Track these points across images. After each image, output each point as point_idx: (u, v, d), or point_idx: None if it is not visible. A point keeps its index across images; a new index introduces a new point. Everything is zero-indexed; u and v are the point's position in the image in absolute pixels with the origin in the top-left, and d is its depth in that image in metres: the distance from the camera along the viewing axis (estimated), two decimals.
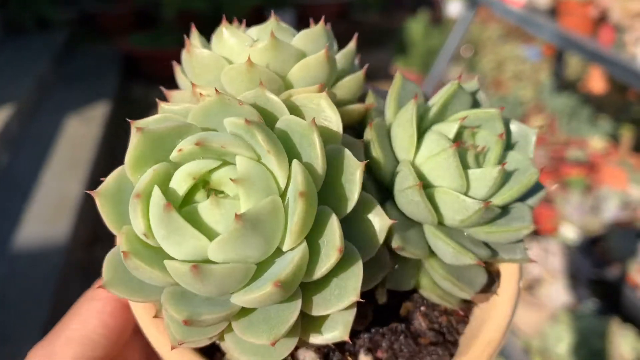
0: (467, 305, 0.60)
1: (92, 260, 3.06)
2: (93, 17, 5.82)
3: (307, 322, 0.49)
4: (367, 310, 0.57)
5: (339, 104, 0.58)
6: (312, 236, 0.46)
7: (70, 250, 2.73)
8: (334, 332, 0.48)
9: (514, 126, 0.61)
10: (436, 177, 0.55)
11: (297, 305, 0.46)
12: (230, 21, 0.59)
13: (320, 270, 0.45)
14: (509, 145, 0.60)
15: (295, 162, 0.44)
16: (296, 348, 0.54)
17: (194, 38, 0.60)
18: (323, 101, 0.51)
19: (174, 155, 0.46)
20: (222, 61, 0.56)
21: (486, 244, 0.57)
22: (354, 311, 0.48)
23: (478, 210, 0.52)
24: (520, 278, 0.59)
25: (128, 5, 5.86)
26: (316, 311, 0.47)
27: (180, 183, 0.46)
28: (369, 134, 0.55)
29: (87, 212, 3.04)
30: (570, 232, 2.76)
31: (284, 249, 0.45)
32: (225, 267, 0.42)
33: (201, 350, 0.54)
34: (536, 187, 0.58)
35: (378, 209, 0.49)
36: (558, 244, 2.67)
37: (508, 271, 0.59)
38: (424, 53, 4.53)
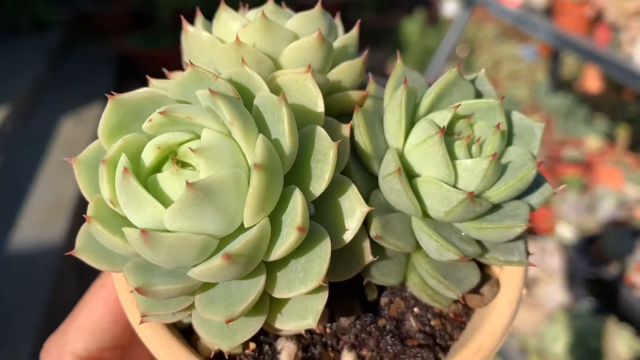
0: (466, 311, 0.58)
1: None
2: (89, 17, 5.79)
3: (276, 308, 0.49)
4: (354, 306, 0.56)
5: (335, 89, 0.57)
6: (277, 214, 0.45)
7: (66, 251, 2.72)
8: (303, 320, 0.47)
9: (518, 119, 0.57)
10: (423, 166, 0.52)
11: (258, 283, 0.45)
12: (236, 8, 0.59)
13: (280, 249, 0.44)
14: (510, 138, 0.56)
15: (260, 136, 0.44)
16: (276, 337, 0.54)
17: (198, 22, 0.60)
18: (308, 82, 0.50)
19: (146, 125, 0.46)
20: (216, 42, 0.56)
21: (479, 242, 0.54)
22: (323, 298, 0.47)
23: (462, 202, 0.49)
24: (523, 285, 0.57)
25: (124, 6, 5.84)
26: (280, 293, 0.46)
27: (148, 153, 0.46)
28: (355, 118, 0.53)
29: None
30: (566, 232, 2.77)
31: (245, 225, 0.44)
32: (176, 235, 0.41)
33: (181, 333, 0.54)
34: (541, 187, 0.55)
35: (355, 193, 0.48)
36: (555, 244, 2.67)
37: (511, 277, 0.57)
38: (420, 53, 4.53)
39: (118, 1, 5.88)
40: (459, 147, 0.53)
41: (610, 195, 2.82)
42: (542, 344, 2.24)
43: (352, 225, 0.48)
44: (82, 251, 0.48)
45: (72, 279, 2.71)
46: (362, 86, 0.61)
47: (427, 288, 0.55)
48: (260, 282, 0.45)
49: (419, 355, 0.54)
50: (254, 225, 0.44)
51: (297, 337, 0.54)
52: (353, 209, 0.48)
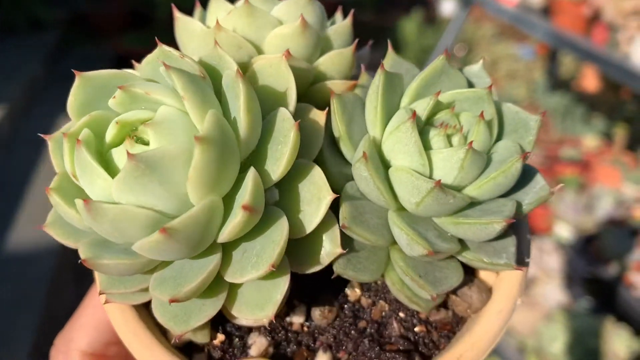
0: (457, 320, 0.55)
1: None
2: (87, 17, 5.77)
3: (235, 296, 0.48)
4: (334, 305, 0.54)
5: (322, 79, 0.56)
6: (232, 196, 0.45)
7: (63, 252, 2.71)
8: (262, 310, 0.46)
9: (514, 113, 0.53)
10: (396, 154, 0.49)
11: (209, 264, 0.44)
12: None
13: (227, 229, 0.43)
14: (503, 133, 0.53)
15: (210, 111, 0.43)
16: (249, 331, 0.53)
17: (196, 14, 0.60)
18: (282, 65, 0.49)
19: (111, 102, 0.46)
20: (204, 29, 0.55)
21: (462, 242, 0.51)
22: (283, 289, 0.46)
23: (431, 191, 0.46)
24: (519, 294, 0.53)
25: (122, 5, 5.83)
26: (232, 277, 0.45)
27: (109, 130, 0.46)
28: (331, 104, 0.50)
29: None
30: (564, 231, 2.76)
31: (192, 202, 0.43)
32: (119, 207, 0.41)
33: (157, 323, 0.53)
34: (537, 186, 0.51)
35: (322, 180, 0.46)
36: (553, 243, 2.67)
37: (506, 284, 0.54)
38: (417, 52, 4.52)
39: (116, 1, 5.86)
40: (438, 137, 0.50)
41: (608, 194, 2.82)
42: (540, 343, 2.24)
43: (316, 213, 0.46)
44: (50, 226, 0.50)
45: (70, 279, 2.70)
46: (355, 79, 0.59)
47: (405, 288, 0.52)
48: (211, 263, 0.44)
49: (392, 359, 0.51)
50: None
51: (271, 333, 0.53)
52: (319, 197, 0.46)
